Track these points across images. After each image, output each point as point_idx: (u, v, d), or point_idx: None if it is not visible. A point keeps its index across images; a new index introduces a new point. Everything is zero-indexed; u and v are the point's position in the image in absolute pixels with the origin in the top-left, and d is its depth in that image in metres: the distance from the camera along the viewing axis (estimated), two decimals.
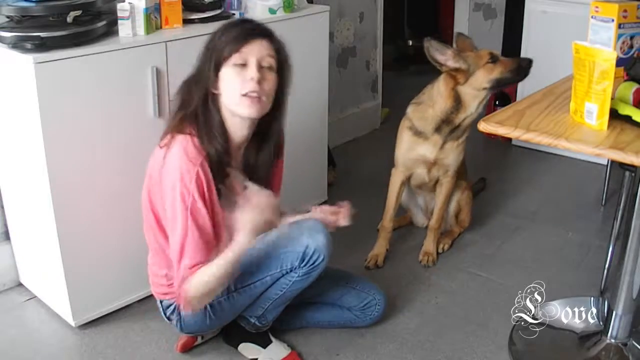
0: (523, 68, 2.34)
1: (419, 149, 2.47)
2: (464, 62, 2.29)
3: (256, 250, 1.79)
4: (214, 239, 1.75)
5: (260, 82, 1.71)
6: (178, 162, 1.71)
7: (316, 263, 1.82)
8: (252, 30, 1.74)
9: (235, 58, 1.71)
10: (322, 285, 2.04)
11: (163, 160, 1.74)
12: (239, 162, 1.87)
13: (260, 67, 1.72)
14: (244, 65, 1.71)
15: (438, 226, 2.64)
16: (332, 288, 2.11)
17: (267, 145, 1.89)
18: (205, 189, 1.72)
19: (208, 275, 1.71)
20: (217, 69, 1.73)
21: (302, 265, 1.82)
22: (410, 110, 2.49)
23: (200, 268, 1.72)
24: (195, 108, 1.76)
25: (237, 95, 1.72)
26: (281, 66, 1.79)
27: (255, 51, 1.72)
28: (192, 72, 1.80)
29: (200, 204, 1.71)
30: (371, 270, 2.53)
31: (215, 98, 1.76)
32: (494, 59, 2.31)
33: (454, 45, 2.41)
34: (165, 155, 1.74)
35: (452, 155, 2.48)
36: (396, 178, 2.56)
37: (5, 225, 2.33)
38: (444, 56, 2.30)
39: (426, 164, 2.50)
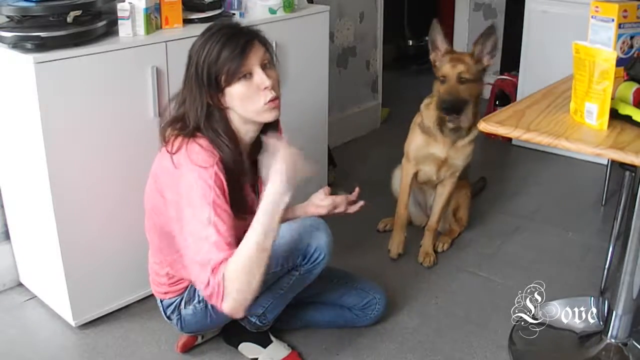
0: (441, 102, 2.36)
1: (429, 147, 2.48)
2: (438, 69, 2.39)
3: None
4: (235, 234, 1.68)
5: (272, 85, 1.72)
6: (191, 172, 1.66)
7: (317, 261, 1.83)
8: (247, 43, 1.69)
9: (240, 73, 1.69)
10: (322, 285, 2.04)
11: (175, 168, 1.68)
12: (247, 158, 1.87)
13: (263, 70, 1.72)
14: (250, 74, 1.71)
15: (437, 226, 2.64)
16: (332, 288, 2.12)
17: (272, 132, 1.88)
18: (224, 186, 1.67)
19: (242, 256, 1.57)
20: (221, 88, 1.70)
21: (303, 263, 1.83)
22: (422, 106, 2.53)
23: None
24: (199, 122, 1.72)
25: (259, 106, 1.72)
26: (272, 55, 1.79)
27: (254, 58, 1.70)
28: (183, 88, 1.75)
29: (222, 199, 1.65)
30: (396, 260, 2.57)
31: (221, 111, 1.74)
32: (443, 80, 2.37)
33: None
34: (178, 165, 1.68)
35: (462, 155, 2.49)
36: (408, 169, 2.56)
37: (5, 225, 2.33)
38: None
39: (436, 162, 2.50)
